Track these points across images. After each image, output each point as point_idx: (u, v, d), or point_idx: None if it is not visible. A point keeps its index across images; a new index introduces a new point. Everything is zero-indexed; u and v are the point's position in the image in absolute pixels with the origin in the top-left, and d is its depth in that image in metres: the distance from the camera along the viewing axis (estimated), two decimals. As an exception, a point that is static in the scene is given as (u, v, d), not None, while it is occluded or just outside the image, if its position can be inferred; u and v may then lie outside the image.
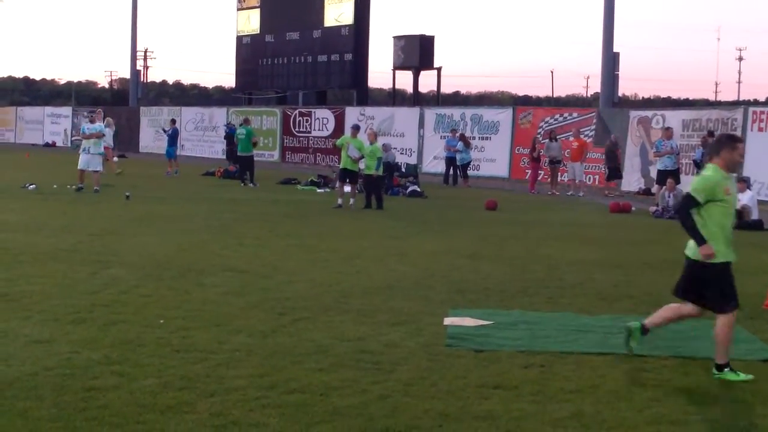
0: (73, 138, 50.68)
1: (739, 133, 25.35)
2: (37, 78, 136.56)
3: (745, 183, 20.02)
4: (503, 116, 33.70)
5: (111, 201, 20.81)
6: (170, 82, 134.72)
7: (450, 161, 31.28)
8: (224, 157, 37.80)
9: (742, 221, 18.70)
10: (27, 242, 13.39)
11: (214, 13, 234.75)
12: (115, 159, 31.08)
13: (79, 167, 23.19)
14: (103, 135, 24.33)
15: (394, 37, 43.66)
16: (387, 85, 67.85)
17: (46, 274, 10.68)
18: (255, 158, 29.08)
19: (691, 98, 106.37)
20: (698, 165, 24.02)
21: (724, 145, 7.28)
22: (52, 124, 58.38)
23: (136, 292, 9.74)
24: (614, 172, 28.06)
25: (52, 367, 6.73)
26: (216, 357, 7.16)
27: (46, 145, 56.26)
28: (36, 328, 7.99)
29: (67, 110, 59.72)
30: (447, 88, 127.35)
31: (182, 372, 6.70)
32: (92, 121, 24.31)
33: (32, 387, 6.25)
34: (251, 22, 48.09)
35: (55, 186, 23.92)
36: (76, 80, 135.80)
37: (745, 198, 19.25)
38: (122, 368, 6.76)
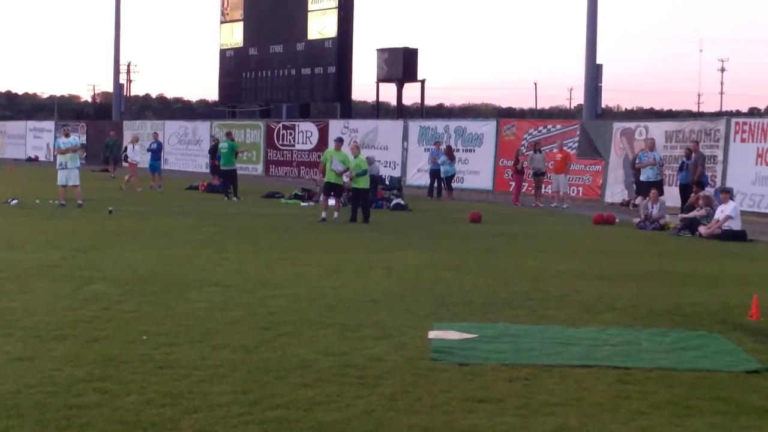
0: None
1: (722, 144, 25.53)
2: (20, 92, 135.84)
3: (728, 194, 20.10)
4: (487, 128, 33.79)
5: (94, 216, 20.72)
6: (153, 95, 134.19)
7: (434, 174, 31.29)
8: (208, 170, 37.71)
9: (726, 232, 18.84)
10: (9, 258, 13.31)
11: (198, 26, 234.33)
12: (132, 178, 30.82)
13: (59, 183, 23.06)
14: (78, 148, 24.11)
15: (378, 50, 43.66)
16: (371, 97, 68.03)
17: (28, 290, 10.61)
18: (238, 172, 29.05)
19: (674, 109, 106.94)
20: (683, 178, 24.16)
21: None
22: (34, 139, 58.11)
23: (119, 308, 9.68)
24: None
25: (35, 385, 6.68)
26: (199, 373, 7.12)
27: (29, 159, 56.03)
28: (18, 345, 7.93)
29: (49, 125, 59.44)
30: (431, 101, 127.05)
31: (165, 388, 6.66)
32: (66, 135, 24.14)
33: (14, 405, 6.20)
34: (234, 35, 48.06)
35: (37, 201, 23.80)
36: (58, 94, 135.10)
37: (728, 209, 19.32)
38: (105, 385, 6.72)
